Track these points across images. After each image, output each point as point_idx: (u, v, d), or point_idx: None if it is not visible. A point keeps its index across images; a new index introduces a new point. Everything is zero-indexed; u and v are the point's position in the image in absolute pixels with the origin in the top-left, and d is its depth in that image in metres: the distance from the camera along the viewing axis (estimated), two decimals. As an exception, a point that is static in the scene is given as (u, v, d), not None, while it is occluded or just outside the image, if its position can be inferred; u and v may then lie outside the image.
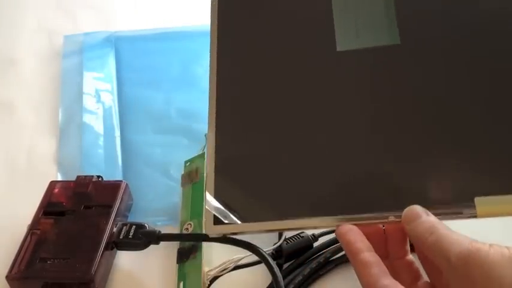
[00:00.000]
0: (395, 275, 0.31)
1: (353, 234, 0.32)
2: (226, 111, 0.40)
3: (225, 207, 0.36)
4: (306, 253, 0.41)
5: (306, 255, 0.41)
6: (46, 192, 0.43)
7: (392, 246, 0.34)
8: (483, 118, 0.36)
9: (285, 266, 0.40)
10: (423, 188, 0.34)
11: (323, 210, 0.35)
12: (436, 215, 0.32)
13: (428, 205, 0.32)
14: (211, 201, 0.36)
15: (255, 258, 0.38)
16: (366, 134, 0.37)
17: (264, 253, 0.37)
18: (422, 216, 0.31)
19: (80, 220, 0.40)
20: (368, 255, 0.31)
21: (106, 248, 0.39)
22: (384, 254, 0.33)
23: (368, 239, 0.32)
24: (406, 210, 0.32)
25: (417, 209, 0.32)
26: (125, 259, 0.41)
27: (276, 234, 0.41)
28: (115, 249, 0.40)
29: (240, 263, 0.39)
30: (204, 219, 0.36)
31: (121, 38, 0.60)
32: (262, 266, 0.37)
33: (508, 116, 0.36)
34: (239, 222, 0.35)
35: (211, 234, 0.36)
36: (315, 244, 0.41)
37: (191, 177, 0.44)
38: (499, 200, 0.33)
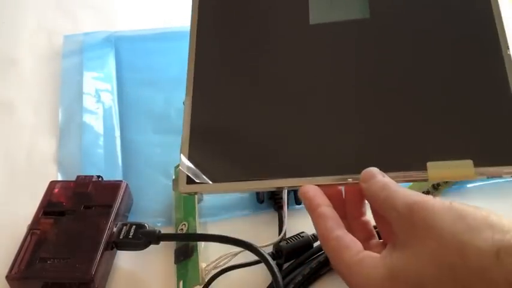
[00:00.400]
0: (351, 233, 0.33)
1: (314, 191, 0.34)
2: (204, 79, 0.42)
3: (197, 168, 0.38)
4: (305, 253, 0.41)
5: (305, 255, 0.41)
6: (46, 192, 0.43)
7: (350, 207, 0.36)
8: (444, 89, 0.39)
9: (285, 266, 0.40)
10: (381, 152, 0.37)
11: (289, 172, 0.37)
12: (391, 178, 0.34)
13: (384, 169, 0.35)
14: (185, 162, 0.38)
15: (254, 257, 0.38)
16: (332, 102, 0.40)
17: (264, 253, 0.37)
18: (377, 176, 0.34)
19: (80, 220, 0.40)
20: (326, 209, 0.33)
21: (106, 248, 0.39)
22: (343, 215, 0.34)
23: (329, 200, 0.34)
24: (364, 171, 0.34)
25: (373, 170, 0.34)
26: (124, 259, 0.41)
27: (276, 233, 0.42)
28: (115, 249, 0.40)
29: (239, 262, 0.39)
30: (178, 179, 0.38)
31: (121, 38, 0.60)
32: (262, 266, 0.37)
33: (466, 87, 0.38)
34: (210, 182, 0.37)
35: (184, 192, 0.38)
36: (315, 244, 0.41)
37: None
38: (449, 164, 0.36)
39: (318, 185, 0.35)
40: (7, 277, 0.37)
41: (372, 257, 0.31)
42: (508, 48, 0.39)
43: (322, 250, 0.41)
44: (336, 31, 0.42)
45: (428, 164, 0.36)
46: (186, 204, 0.43)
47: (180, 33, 0.57)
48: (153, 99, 0.54)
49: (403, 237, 0.30)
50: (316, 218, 0.33)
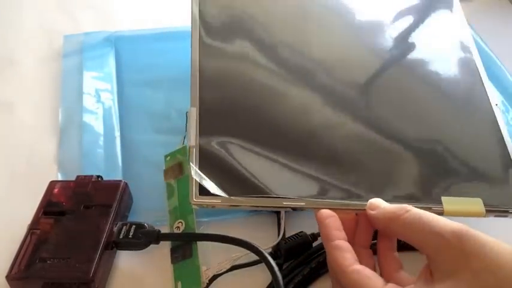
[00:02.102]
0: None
1: (333, 220, 0.34)
2: (209, 90, 0.43)
3: (210, 179, 0.37)
4: (305, 253, 0.41)
5: (305, 255, 0.41)
6: (46, 192, 0.43)
7: (359, 235, 0.36)
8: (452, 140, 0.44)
9: (285, 265, 0.40)
10: (397, 183, 0.40)
11: (306, 192, 0.38)
12: None
13: (400, 200, 0.37)
14: (197, 171, 0.38)
15: (254, 257, 0.38)
16: (356, 131, 0.43)
17: (264, 253, 0.37)
18: (385, 203, 0.35)
19: (79, 220, 0.40)
20: (343, 242, 0.33)
21: (106, 248, 0.39)
22: (351, 242, 0.35)
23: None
24: (369, 201, 0.35)
25: (379, 199, 0.35)
26: (124, 259, 0.41)
27: (275, 233, 0.42)
28: (115, 249, 0.40)
29: (239, 262, 0.39)
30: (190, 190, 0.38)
31: (121, 38, 0.60)
32: (261, 266, 0.37)
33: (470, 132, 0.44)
34: (224, 195, 0.37)
35: (195, 204, 0.37)
36: (314, 243, 0.41)
37: (175, 173, 0.44)
38: (461, 201, 0.39)
39: (334, 209, 0.35)
40: (7, 277, 0.37)
41: None
42: (496, 104, 0.46)
43: (321, 250, 0.41)
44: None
45: (443, 198, 0.38)
46: (182, 202, 0.43)
47: (180, 33, 0.58)
48: (153, 99, 0.54)
49: (449, 266, 0.30)
50: (333, 249, 0.33)
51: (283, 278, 0.37)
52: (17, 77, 0.57)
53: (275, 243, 0.40)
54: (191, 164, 0.38)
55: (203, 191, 0.37)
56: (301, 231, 0.41)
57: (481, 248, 0.29)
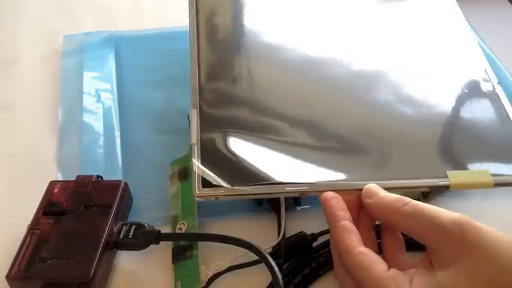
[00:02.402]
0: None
1: (337, 201, 0.35)
2: (209, 91, 0.43)
3: (212, 172, 0.38)
4: (305, 253, 0.41)
5: (305, 255, 0.40)
6: (46, 192, 0.43)
7: (363, 216, 0.36)
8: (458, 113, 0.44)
9: (285, 265, 0.40)
10: (401, 161, 0.40)
11: (308, 177, 0.38)
12: (415, 185, 0.38)
13: (406, 177, 0.38)
14: (198, 165, 0.38)
15: (254, 257, 0.38)
16: (357, 113, 0.43)
17: (264, 253, 0.37)
18: (381, 191, 0.35)
19: (79, 220, 0.40)
20: (348, 223, 0.33)
21: (106, 248, 0.39)
22: (355, 223, 0.35)
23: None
24: (365, 187, 0.36)
25: (376, 186, 0.35)
26: (125, 259, 0.41)
27: (275, 233, 0.42)
28: (115, 249, 0.40)
29: (238, 262, 0.39)
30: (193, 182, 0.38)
31: (121, 38, 0.60)
32: (261, 266, 0.37)
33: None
34: (227, 185, 0.37)
35: (199, 197, 0.37)
36: (314, 243, 0.41)
37: (179, 178, 0.45)
38: (467, 173, 0.38)
39: (338, 191, 0.35)
40: (7, 277, 0.37)
41: (403, 274, 0.31)
42: (498, 83, 0.46)
43: (321, 250, 0.41)
44: None
45: (448, 172, 0.38)
46: (185, 204, 0.43)
47: (180, 33, 0.57)
48: (153, 99, 0.54)
49: (450, 256, 0.30)
50: (339, 230, 0.33)
51: (283, 278, 0.37)
52: (17, 77, 0.57)
53: (275, 243, 0.40)
54: (193, 160, 0.39)
55: (206, 183, 0.37)
56: (301, 231, 0.41)
57: (482, 237, 0.30)
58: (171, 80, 0.55)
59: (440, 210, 0.32)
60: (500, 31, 0.64)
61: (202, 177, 0.38)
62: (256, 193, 0.38)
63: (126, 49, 0.59)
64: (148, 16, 0.64)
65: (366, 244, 0.33)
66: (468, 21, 0.54)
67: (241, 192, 0.37)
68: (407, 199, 0.33)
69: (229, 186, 0.37)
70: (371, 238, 0.35)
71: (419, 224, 0.32)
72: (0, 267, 0.38)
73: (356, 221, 0.35)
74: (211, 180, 0.37)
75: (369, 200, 0.35)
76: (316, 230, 0.41)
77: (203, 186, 0.37)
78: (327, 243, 0.41)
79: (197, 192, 0.37)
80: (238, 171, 0.38)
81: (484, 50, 0.60)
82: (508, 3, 0.68)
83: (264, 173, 0.38)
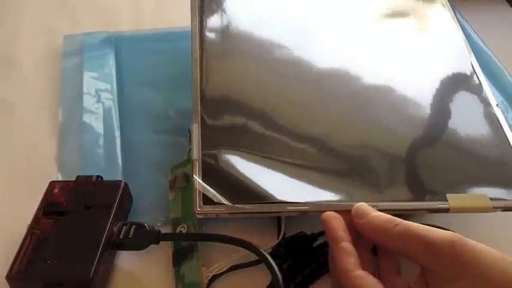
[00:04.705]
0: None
1: (338, 221, 0.34)
2: (211, 106, 0.44)
3: (213, 189, 0.38)
4: (305, 253, 0.41)
5: (305, 255, 0.41)
6: (46, 192, 0.43)
7: (362, 237, 0.36)
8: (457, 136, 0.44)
9: (285, 265, 0.40)
10: (402, 183, 0.40)
11: (309, 197, 0.38)
12: (415, 208, 0.39)
13: (408, 199, 0.39)
14: (200, 182, 0.39)
15: (254, 257, 0.38)
16: (357, 134, 0.43)
17: (264, 253, 0.37)
18: (372, 212, 0.35)
19: (79, 220, 0.40)
20: (349, 245, 0.33)
21: (106, 248, 0.39)
22: (355, 243, 0.35)
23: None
24: (355, 206, 0.36)
25: (366, 205, 0.35)
26: (125, 259, 0.41)
27: (275, 233, 0.42)
28: (115, 249, 0.40)
29: (239, 262, 0.39)
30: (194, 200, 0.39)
31: (121, 38, 0.60)
32: (261, 266, 0.37)
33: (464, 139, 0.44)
34: (228, 203, 0.38)
35: (200, 214, 0.38)
36: (314, 244, 0.41)
37: (179, 182, 0.45)
38: (467, 197, 0.39)
39: (338, 211, 0.35)
40: (7, 277, 0.37)
41: None
42: (497, 105, 0.46)
43: (321, 250, 0.41)
44: None
45: (448, 195, 0.38)
46: (185, 208, 0.43)
47: (180, 33, 0.58)
48: (153, 99, 0.54)
49: (444, 276, 0.30)
50: (340, 251, 0.33)
51: (283, 278, 0.37)
52: (17, 77, 0.57)
53: (275, 243, 0.40)
54: (195, 176, 0.39)
55: (207, 200, 0.38)
56: (301, 231, 0.41)
57: (475, 255, 0.30)
58: (171, 80, 0.55)
59: (431, 230, 0.32)
60: (500, 31, 0.64)
61: (203, 194, 0.38)
62: (257, 211, 0.38)
63: (126, 49, 0.59)
64: (148, 16, 0.64)
65: (363, 265, 0.33)
66: (468, 23, 0.54)
67: (242, 210, 0.38)
68: (398, 220, 0.33)
69: (230, 204, 0.38)
70: (368, 259, 0.35)
71: (411, 245, 0.32)
72: (0, 267, 0.38)
73: (355, 240, 0.35)
74: (212, 197, 0.38)
75: (360, 221, 0.35)
76: (316, 230, 0.41)
77: (204, 203, 0.38)
78: (327, 243, 0.41)
79: (198, 209, 0.38)
80: (240, 189, 0.39)
81: (484, 51, 0.60)
82: (507, 4, 0.68)
83: (266, 191, 0.38)
